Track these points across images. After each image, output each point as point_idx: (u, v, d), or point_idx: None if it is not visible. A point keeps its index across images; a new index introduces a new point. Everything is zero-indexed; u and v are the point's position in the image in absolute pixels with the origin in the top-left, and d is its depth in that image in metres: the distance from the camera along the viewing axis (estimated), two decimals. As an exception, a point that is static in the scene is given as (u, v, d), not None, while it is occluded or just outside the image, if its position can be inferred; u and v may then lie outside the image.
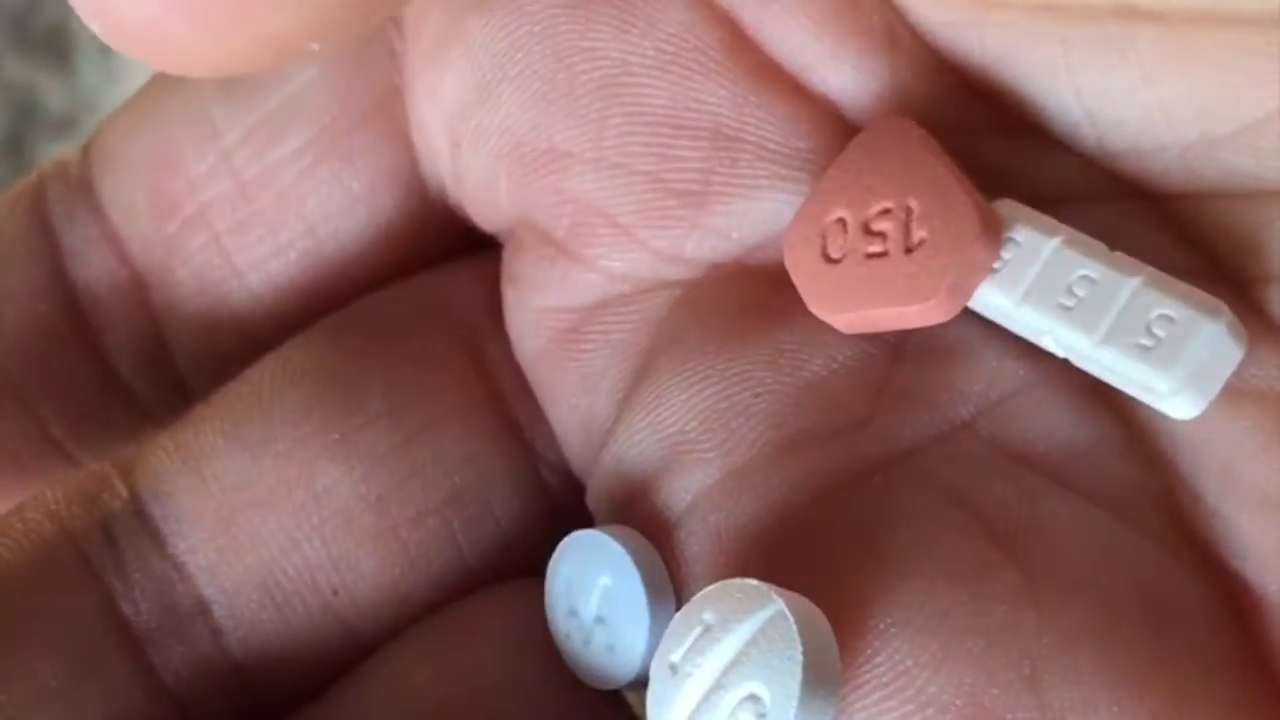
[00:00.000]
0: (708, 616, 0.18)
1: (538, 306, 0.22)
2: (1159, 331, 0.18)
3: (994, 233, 0.19)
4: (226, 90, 0.24)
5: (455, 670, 0.21)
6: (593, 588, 0.20)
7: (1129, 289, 0.18)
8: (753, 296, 0.21)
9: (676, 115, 0.21)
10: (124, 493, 0.22)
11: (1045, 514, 0.19)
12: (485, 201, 0.23)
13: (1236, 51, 0.18)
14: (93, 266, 0.25)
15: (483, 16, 0.22)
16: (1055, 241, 0.19)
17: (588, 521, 0.21)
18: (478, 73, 0.22)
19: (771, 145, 0.21)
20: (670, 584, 0.20)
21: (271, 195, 0.24)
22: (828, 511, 0.19)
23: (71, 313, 0.25)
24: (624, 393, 0.21)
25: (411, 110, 0.23)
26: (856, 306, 0.20)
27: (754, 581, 0.18)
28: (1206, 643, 0.18)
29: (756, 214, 0.21)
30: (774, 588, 0.18)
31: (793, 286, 0.20)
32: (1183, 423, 0.19)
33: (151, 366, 0.25)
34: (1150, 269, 0.18)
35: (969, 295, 0.19)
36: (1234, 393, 0.18)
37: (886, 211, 0.19)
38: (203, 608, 0.22)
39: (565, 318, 0.22)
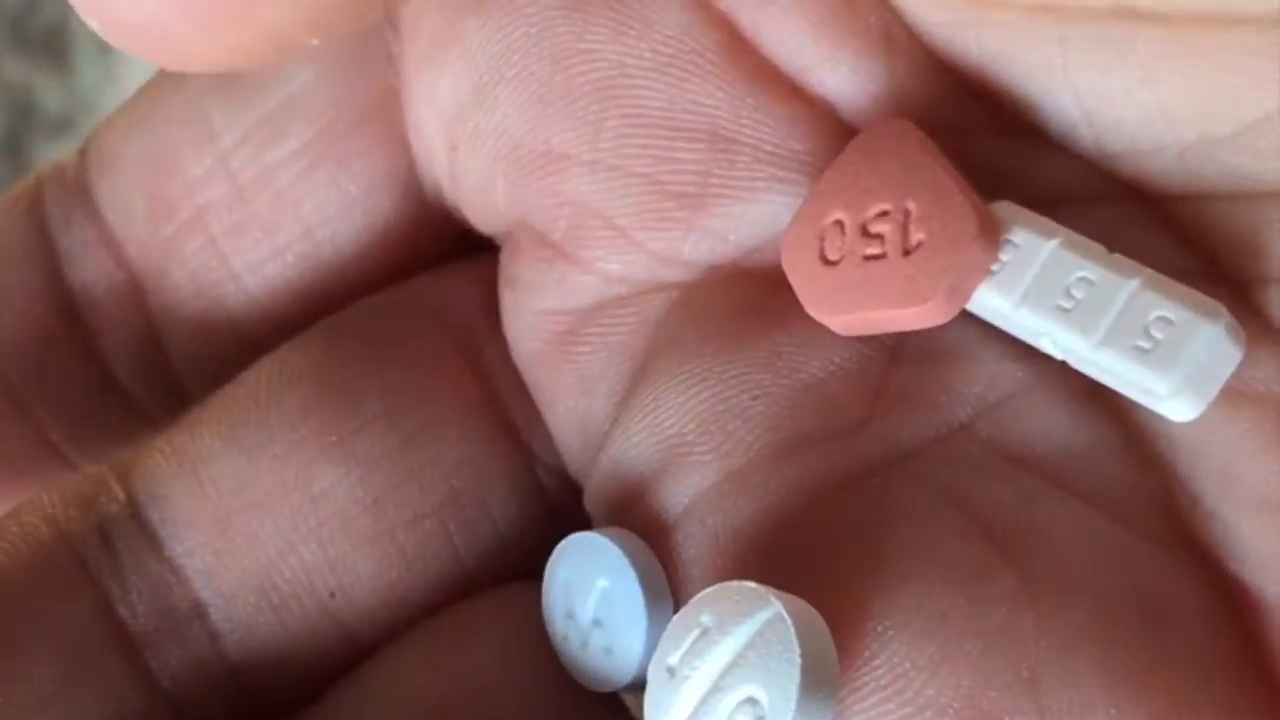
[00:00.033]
0: (705, 619, 0.18)
1: (535, 309, 0.22)
2: (1157, 333, 0.18)
3: (992, 235, 0.19)
4: (223, 92, 0.24)
5: (453, 673, 0.21)
6: (590, 590, 0.20)
7: (1127, 291, 0.18)
8: (750, 299, 0.21)
9: (674, 117, 0.21)
10: (121, 496, 0.22)
11: (1043, 516, 0.19)
12: (482, 203, 0.23)
13: (1236, 52, 0.18)
14: (90, 269, 0.25)
15: (480, 18, 0.22)
16: (1053, 243, 0.19)
17: (585, 524, 0.21)
18: (474, 75, 0.22)
19: (769, 147, 0.21)
20: (668, 586, 0.20)
21: (268, 198, 0.24)
22: (825, 514, 0.19)
23: (68, 316, 0.25)
24: (621, 395, 0.21)
25: (408, 112, 0.23)
26: (854, 308, 0.20)
27: (752, 584, 0.18)
28: (1205, 645, 0.18)
29: (754, 216, 0.21)
30: (772, 590, 0.18)
31: (790, 289, 0.20)
32: (1181, 425, 0.18)
33: (148, 369, 0.25)
34: (1149, 270, 0.18)
35: (967, 297, 0.19)
36: (1233, 395, 0.18)
37: (884, 213, 0.19)
38: (200, 610, 0.22)
39: (562, 320, 0.22)
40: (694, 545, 0.20)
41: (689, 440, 0.20)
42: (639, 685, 0.19)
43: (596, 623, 0.20)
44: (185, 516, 0.22)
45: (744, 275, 0.21)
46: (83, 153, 0.25)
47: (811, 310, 0.20)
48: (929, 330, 0.20)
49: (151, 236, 0.24)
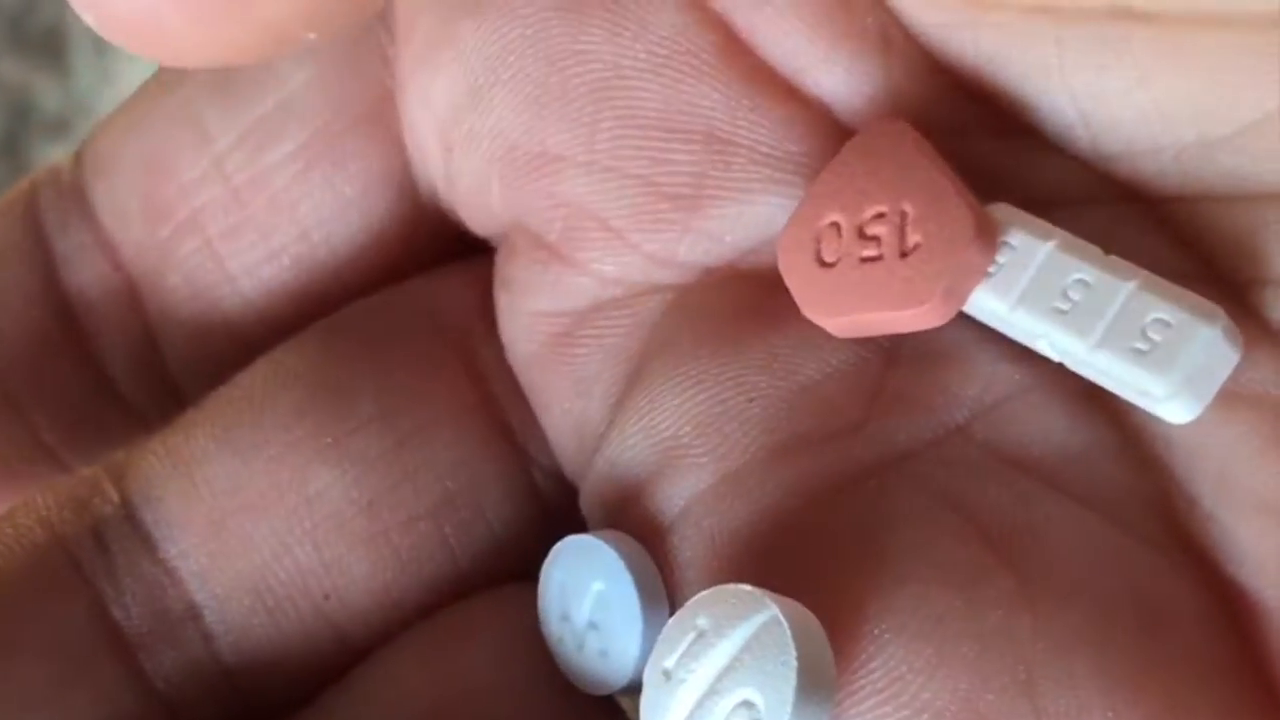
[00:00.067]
0: (701, 622, 0.18)
1: (530, 310, 0.22)
2: (1154, 335, 0.18)
3: (989, 237, 0.19)
4: (219, 95, 0.24)
5: (448, 675, 0.21)
6: (586, 592, 0.20)
7: (1124, 293, 0.18)
8: (746, 300, 0.21)
9: (669, 119, 0.21)
10: (115, 498, 0.22)
11: (1040, 518, 0.19)
12: (477, 205, 0.23)
13: (1233, 53, 0.18)
14: (86, 272, 0.25)
15: (475, 19, 0.22)
16: (1050, 245, 0.19)
17: (581, 526, 0.21)
18: (470, 76, 0.22)
19: (765, 149, 0.21)
20: (663, 589, 0.20)
21: (264, 200, 0.24)
22: (822, 516, 0.19)
23: (64, 319, 0.25)
24: (617, 397, 0.21)
25: (404, 114, 0.23)
26: (850, 311, 0.19)
27: (748, 587, 0.18)
28: (1202, 648, 0.18)
29: (750, 218, 0.21)
30: (768, 593, 0.18)
31: (786, 290, 0.20)
32: (1178, 427, 0.18)
33: (145, 372, 0.25)
34: (1146, 272, 0.18)
35: (964, 300, 0.19)
36: (1230, 397, 0.18)
37: (881, 215, 0.19)
38: (194, 613, 0.22)
39: (558, 322, 0.22)
40: (690, 548, 0.20)
41: (685, 442, 0.20)
42: (635, 688, 0.19)
43: (592, 625, 0.20)
44: (179, 518, 0.22)
45: (740, 277, 0.21)
46: (78, 156, 0.25)
47: (807, 312, 0.20)
48: (925, 332, 0.20)
49: (147, 239, 0.24)
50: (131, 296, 0.25)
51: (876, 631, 0.18)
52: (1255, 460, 0.18)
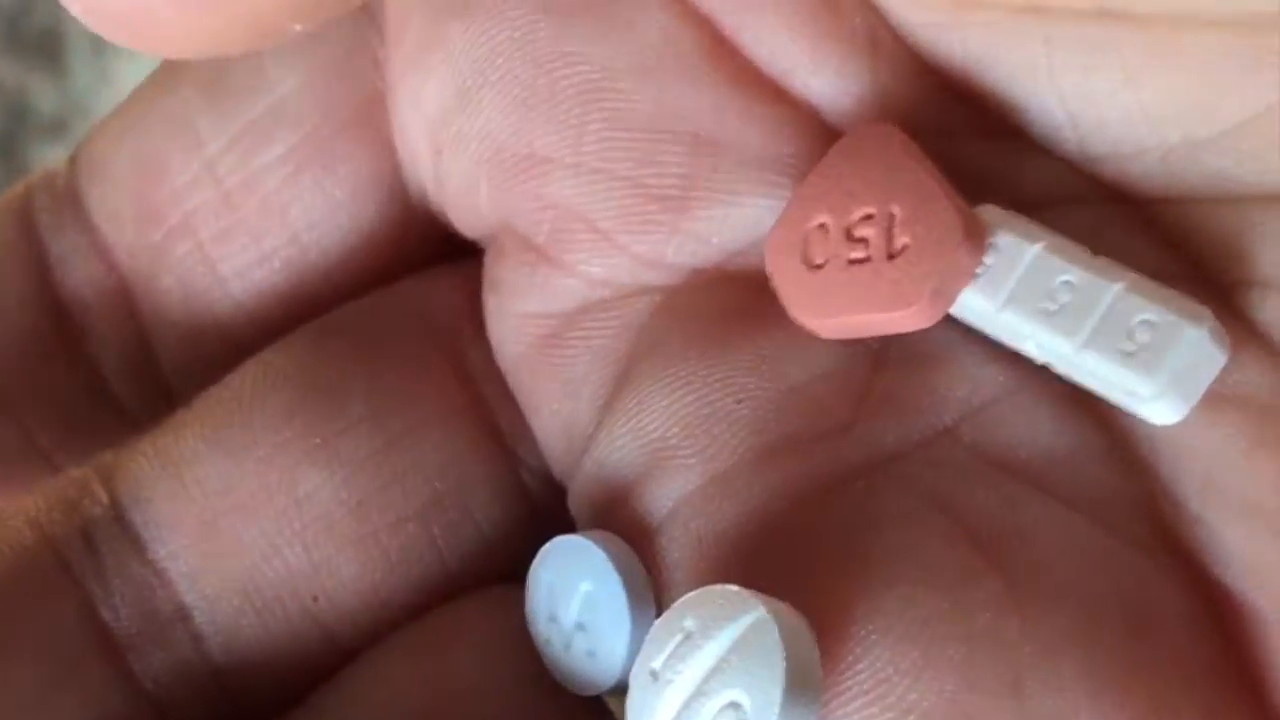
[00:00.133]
0: (689, 623, 0.18)
1: (519, 312, 0.22)
2: (1141, 336, 0.18)
3: (977, 238, 0.19)
4: (210, 99, 0.24)
5: (436, 676, 0.21)
6: (574, 593, 0.20)
7: (1111, 294, 0.18)
8: (734, 302, 0.21)
9: (657, 120, 0.21)
10: (104, 499, 0.22)
11: (1027, 520, 0.19)
12: (466, 207, 0.23)
13: (1219, 54, 0.18)
14: (80, 276, 0.25)
15: (464, 22, 0.22)
16: (1037, 247, 0.19)
17: (569, 527, 0.21)
18: (459, 78, 0.22)
19: (752, 150, 0.21)
20: (651, 590, 0.20)
21: (255, 203, 0.24)
22: (809, 517, 0.19)
23: (59, 322, 0.25)
24: (605, 398, 0.21)
25: (394, 116, 0.23)
26: (839, 312, 0.19)
27: (735, 588, 0.18)
28: (1188, 650, 0.18)
29: (738, 219, 0.21)
30: (755, 594, 0.18)
31: (774, 292, 0.20)
32: (1165, 429, 0.18)
33: (139, 375, 0.25)
34: (1133, 274, 0.18)
35: (951, 301, 0.19)
36: (1216, 399, 0.18)
37: (869, 217, 0.19)
38: (183, 614, 0.22)
39: (546, 323, 0.22)
40: (678, 549, 0.20)
41: (673, 444, 0.20)
42: (622, 689, 0.19)
43: (580, 626, 0.20)
44: (169, 519, 0.22)
45: (728, 279, 0.21)
46: (73, 159, 0.25)
47: (795, 314, 0.20)
48: (913, 334, 0.20)
49: (140, 243, 0.24)
50: (125, 299, 0.25)
51: (864, 633, 0.18)
52: (1242, 462, 0.18)
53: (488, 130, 0.22)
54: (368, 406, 0.22)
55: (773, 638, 0.17)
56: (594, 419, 0.21)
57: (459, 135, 0.22)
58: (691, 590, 0.18)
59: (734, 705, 0.17)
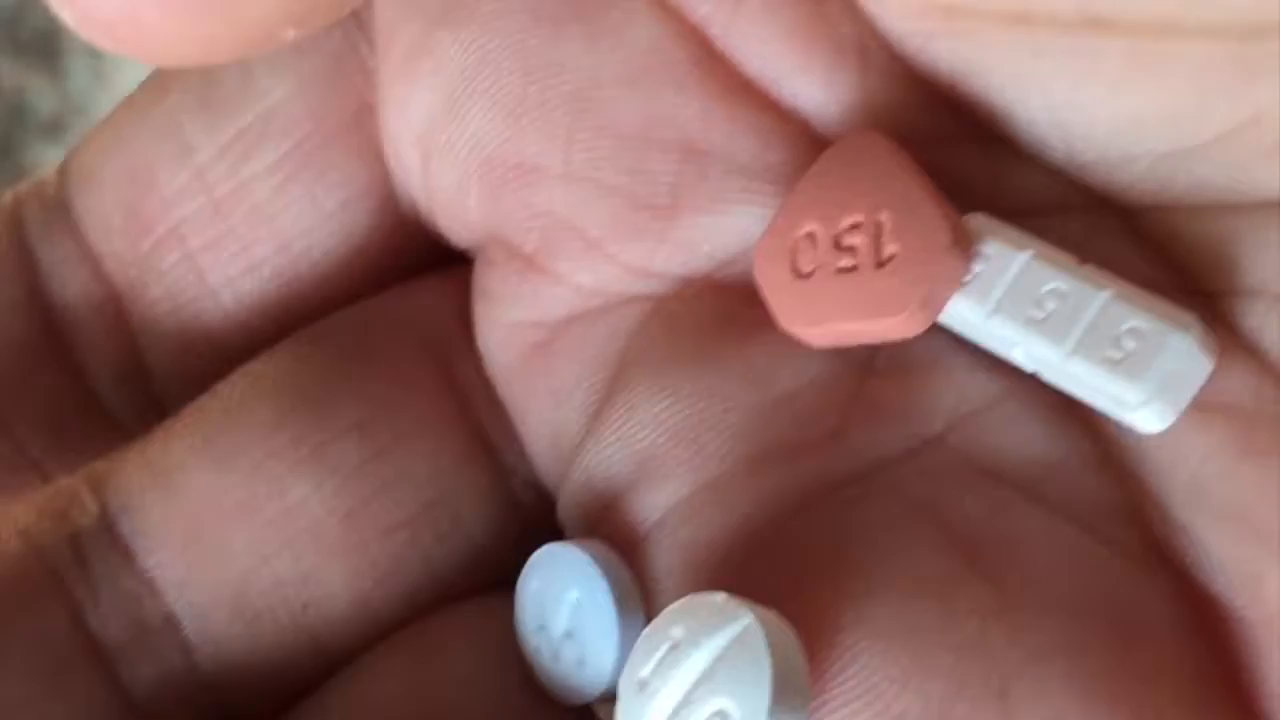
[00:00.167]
0: (676, 632, 0.18)
1: (508, 321, 0.22)
2: (1128, 343, 0.18)
3: (964, 247, 0.19)
4: (200, 107, 0.24)
5: (425, 685, 0.21)
6: (562, 602, 0.20)
7: (1099, 301, 0.18)
8: (723, 311, 0.21)
9: (646, 129, 0.21)
10: (93, 508, 0.22)
11: (1015, 528, 0.19)
12: (455, 216, 0.23)
13: (1206, 63, 0.18)
14: (70, 285, 0.25)
15: (453, 31, 0.22)
16: (1025, 255, 0.19)
17: (558, 535, 0.21)
18: (447, 87, 0.22)
19: (741, 159, 0.21)
20: (640, 598, 0.20)
21: (244, 212, 0.24)
22: (797, 525, 0.19)
23: (49, 332, 0.25)
24: (594, 407, 0.21)
25: (384, 125, 0.23)
26: (827, 321, 0.19)
27: (723, 596, 0.18)
28: (1175, 658, 0.18)
29: (726, 228, 0.21)
30: (743, 602, 0.18)
31: (762, 301, 0.20)
32: (1152, 437, 0.18)
33: (129, 385, 0.25)
34: (1120, 282, 0.18)
35: (940, 309, 0.19)
36: (1203, 407, 0.18)
37: (857, 226, 0.19)
38: (172, 623, 0.22)
39: (535, 332, 0.22)
40: (666, 557, 0.20)
41: (661, 452, 0.20)
42: (611, 698, 0.19)
43: (568, 635, 0.20)
44: (157, 528, 0.22)
45: (716, 287, 0.21)
46: (62, 169, 0.25)
47: (784, 322, 0.20)
48: (902, 342, 0.19)
49: (130, 251, 0.24)
50: (115, 309, 0.25)
51: (851, 641, 0.18)
52: (1228, 470, 0.18)
53: (477, 139, 0.22)
54: (357, 416, 0.22)
55: (760, 646, 0.17)
56: (583, 428, 0.21)
57: (448, 144, 0.22)
58: (679, 599, 0.18)
59: (721, 714, 0.17)
